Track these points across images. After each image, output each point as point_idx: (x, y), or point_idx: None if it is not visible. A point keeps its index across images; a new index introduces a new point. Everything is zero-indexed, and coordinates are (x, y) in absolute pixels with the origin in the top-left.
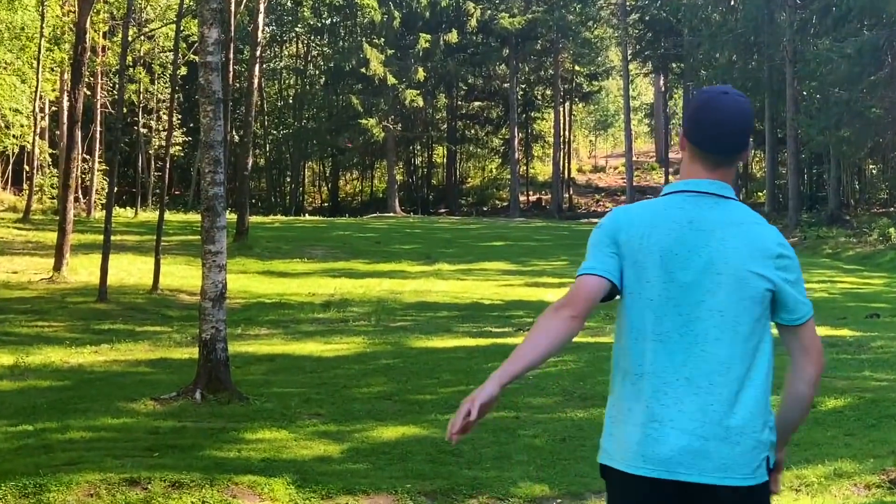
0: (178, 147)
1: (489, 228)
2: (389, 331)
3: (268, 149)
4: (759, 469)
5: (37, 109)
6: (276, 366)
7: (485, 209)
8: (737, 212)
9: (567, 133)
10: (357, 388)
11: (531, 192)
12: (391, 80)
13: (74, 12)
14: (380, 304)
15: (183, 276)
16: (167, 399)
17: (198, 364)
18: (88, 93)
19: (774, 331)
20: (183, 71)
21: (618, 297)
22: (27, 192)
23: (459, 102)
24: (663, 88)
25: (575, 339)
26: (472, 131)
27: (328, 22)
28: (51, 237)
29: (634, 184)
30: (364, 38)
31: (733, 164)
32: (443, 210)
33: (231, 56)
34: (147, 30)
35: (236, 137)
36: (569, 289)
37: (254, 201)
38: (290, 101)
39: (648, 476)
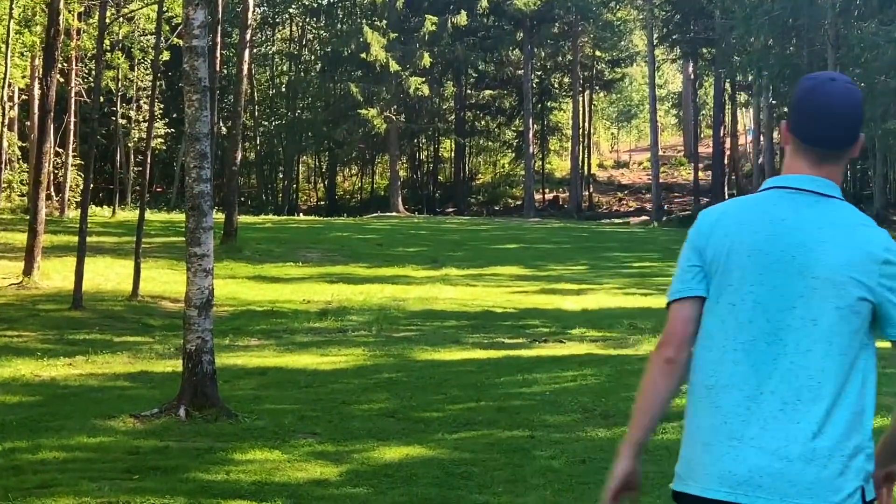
0: (160, 140)
1: (501, 229)
2: (392, 342)
3: (258, 142)
4: (849, 499)
5: (5, 98)
6: (267, 380)
7: (496, 208)
8: (840, 212)
9: (587, 125)
10: (357, 405)
11: (547, 190)
12: (394, 66)
13: None
14: (381, 313)
15: (165, 281)
16: (148, 416)
17: (182, 378)
18: (62, 80)
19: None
20: (166, 56)
21: None
22: None
23: (469, 91)
24: (692, 76)
25: (597, 351)
26: (483, 123)
27: (325, 2)
28: (20, 238)
29: (661, 180)
30: (364, 21)
31: (841, 159)
32: (450, 209)
33: (218, 40)
34: (126, 11)
35: (224, 129)
36: (667, 321)
37: (243, 199)
38: (283, 90)
39: (724, 500)
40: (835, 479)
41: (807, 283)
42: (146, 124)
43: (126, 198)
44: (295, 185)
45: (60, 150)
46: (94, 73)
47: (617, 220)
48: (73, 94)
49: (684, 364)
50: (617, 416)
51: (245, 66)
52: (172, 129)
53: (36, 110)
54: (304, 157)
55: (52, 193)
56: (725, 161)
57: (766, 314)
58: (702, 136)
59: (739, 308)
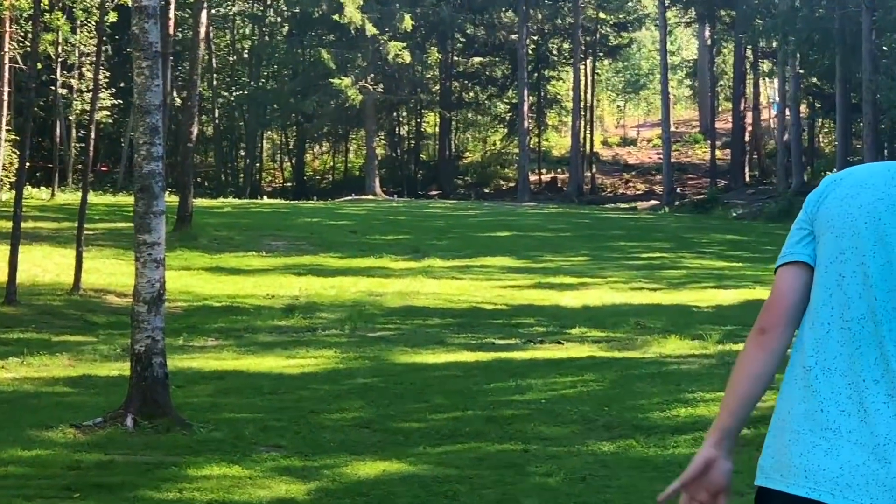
0: (105, 113)
1: (492, 215)
2: (367, 342)
3: (217, 115)
4: None
5: None
6: (226, 385)
7: (486, 191)
8: None
9: (589, 97)
10: (327, 414)
11: (544, 171)
12: (371, 29)
13: None
14: (356, 309)
15: (111, 272)
16: (91, 426)
17: (129, 383)
18: None
19: None
20: (112, 17)
21: None
22: None
23: (455, 58)
24: (709, 42)
25: (599, 353)
26: (472, 94)
27: None
28: None
29: (673, 160)
30: None
31: None
32: (434, 192)
33: None
34: None
35: (178, 101)
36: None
37: (199, 180)
38: (245, 56)
39: (806, 497)
40: None
41: None
42: (90, 95)
43: (67, 178)
44: (258, 165)
45: None
46: (30, 36)
47: (623, 205)
48: (6, 60)
49: (782, 337)
50: (622, 428)
51: (202, 29)
52: (120, 101)
53: None
54: (269, 133)
55: None
56: (746, 138)
57: (877, 290)
58: (719, 109)
59: (849, 281)
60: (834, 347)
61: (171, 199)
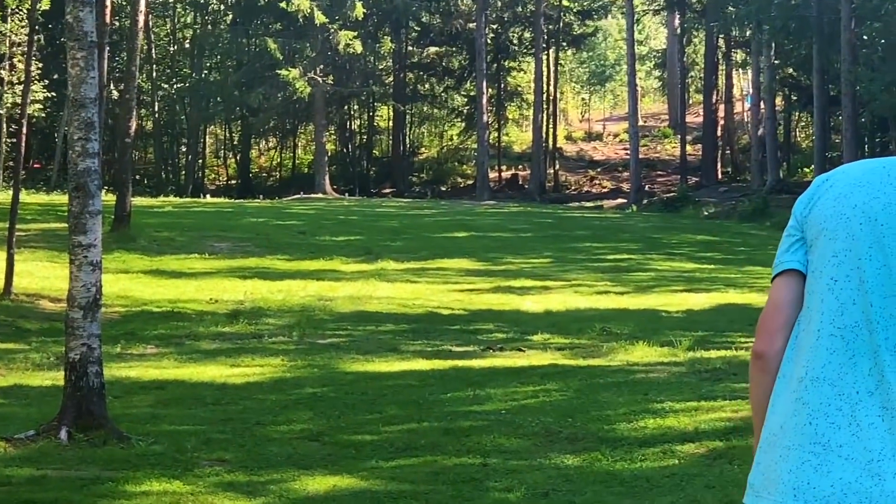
0: (38, 106)
1: (449, 215)
2: (317, 350)
3: (157, 108)
4: None
5: None
6: (166, 395)
7: (443, 189)
8: None
9: (552, 89)
10: (274, 426)
11: (504, 167)
12: (320, 17)
13: None
14: (304, 315)
15: (44, 276)
16: (22, 439)
17: (63, 393)
18: None
19: None
20: (45, 5)
21: None
22: None
23: (410, 48)
24: (679, 30)
25: (563, 361)
26: (427, 86)
27: None
28: None
29: (641, 156)
30: None
31: None
32: (387, 190)
33: None
34: None
35: (115, 93)
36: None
37: (138, 178)
38: (187, 46)
39: None
40: None
41: None
42: (21, 87)
43: None
44: (201, 161)
45: None
46: None
47: (588, 204)
48: None
49: (780, 355)
50: (586, 440)
51: (140, 18)
52: (53, 94)
53: None
54: (212, 128)
55: None
56: (718, 133)
57: (871, 296)
58: (690, 102)
59: (842, 285)
60: (824, 356)
61: (108, 199)
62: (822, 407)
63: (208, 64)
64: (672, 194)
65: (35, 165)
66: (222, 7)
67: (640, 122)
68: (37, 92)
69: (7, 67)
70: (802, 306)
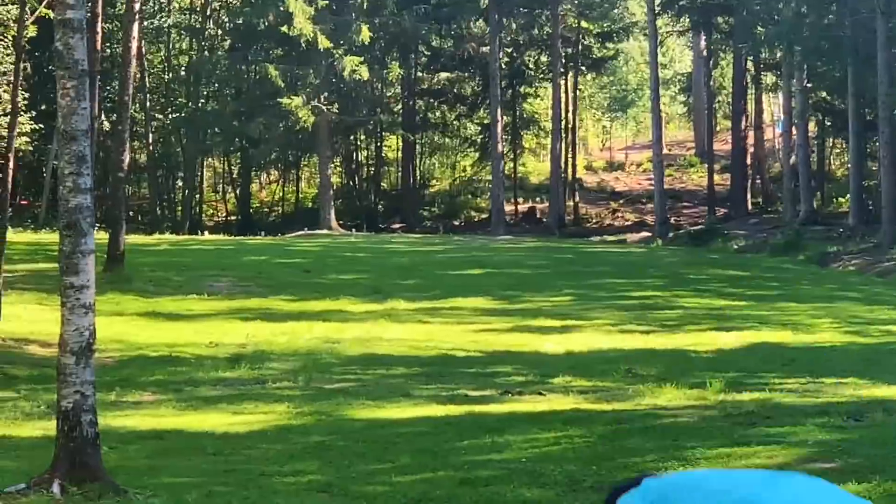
0: (25, 139)
1: (462, 251)
2: (324, 395)
3: (151, 140)
4: None
5: None
6: (165, 446)
7: (456, 223)
8: None
9: (571, 116)
10: (279, 477)
11: (521, 200)
12: (324, 42)
13: None
14: (310, 358)
15: (33, 320)
16: (13, 493)
17: (56, 444)
18: None
19: None
20: (32, 31)
21: None
22: None
23: (420, 74)
24: (705, 53)
25: (586, 406)
26: (438, 114)
27: None
28: None
29: (666, 186)
30: None
31: None
32: (397, 225)
33: (99, 11)
34: None
35: (107, 125)
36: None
37: (132, 214)
38: (183, 74)
39: None
40: None
41: None
42: (7, 119)
43: None
44: (198, 196)
45: None
46: None
47: (610, 238)
48: None
49: None
50: None
51: (134, 45)
52: (41, 125)
53: None
54: (210, 160)
55: None
56: (748, 160)
57: None
58: (717, 129)
59: None
60: None
61: (101, 237)
62: None
63: (205, 92)
64: (699, 227)
65: (22, 202)
66: (220, 32)
67: (665, 151)
68: (23, 124)
69: None
70: None
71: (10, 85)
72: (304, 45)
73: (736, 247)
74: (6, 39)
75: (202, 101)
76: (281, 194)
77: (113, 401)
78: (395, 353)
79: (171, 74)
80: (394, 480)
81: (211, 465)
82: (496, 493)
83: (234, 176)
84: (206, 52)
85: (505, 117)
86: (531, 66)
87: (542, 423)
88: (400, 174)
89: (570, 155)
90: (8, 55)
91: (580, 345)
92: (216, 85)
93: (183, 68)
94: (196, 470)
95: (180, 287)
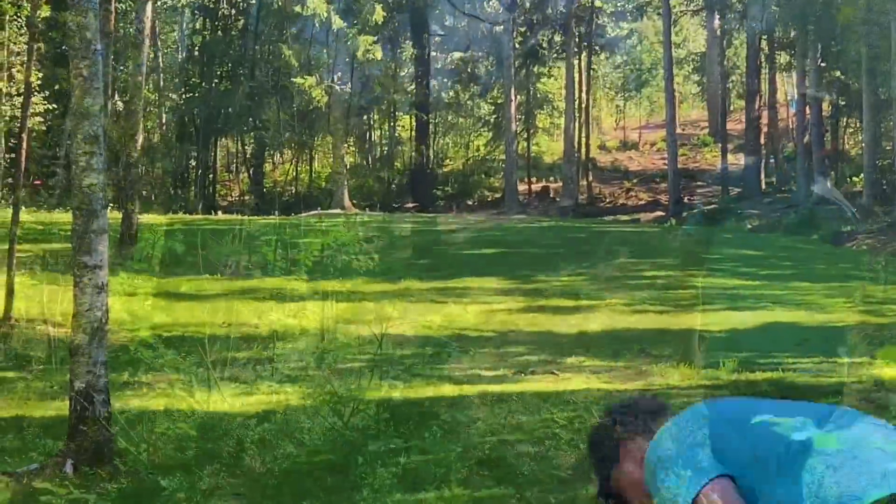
0: (38, 119)
1: (476, 230)
2: (336, 375)
3: (164, 120)
4: None
5: None
6: (178, 426)
7: (469, 203)
8: None
9: (584, 96)
10: (293, 458)
11: (535, 179)
12: (337, 22)
13: None
14: (323, 339)
15: (46, 300)
16: (26, 473)
17: (69, 424)
18: None
19: None
20: (45, 11)
21: None
22: None
23: (434, 53)
24: (718, 32)
25: (598, 386)
26: (452, 93)
27: None
28: None
29: (680, 165)
30: None
31: None
32: (410, 205)
33: None
34: None
35: (120, 105)
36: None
37: (145, 194)
38: (196, 54)
39: None
40: None
41: None
42: (21, 99)
43: None
44: (212, 176)
45: None
46: None
47: (623, 217)
48: None
49: None
50: None
51: (147, 24)
52: (55, 105)
53: None
54: (224, 140)
55: None
56: (762, 140)
57: None
58: (731, 108)
59: None
60: None
61: (114, 216)
62: None
63: (219, 72)
64: (713, 206)
65: (35, 182)
66: (233, 12)
67: (679, 130)
68: (37, 104)
69: (6, 78)
70: None
71: (24, 65)
72: (317, 24)
73: (749, 226)
74: (19, 19)
75: (216, 81)
76: (294, 174)
77: (125, 381)
78: (408, 333)
79: (184, 54)
80: (408, 461)
81: (224, 446)
82: (509, 474)
83: (248, 156)
84: (219, 32)
85: (518, 97)
86: (545, 45)
87: (555, 403)
88: (413, 154)
89: (583, 134)
90: (22, 35)
91: (593, 324)
92: (230, 65)
93: (196, 48)
94: (209, 451)
95: (194, 267)
